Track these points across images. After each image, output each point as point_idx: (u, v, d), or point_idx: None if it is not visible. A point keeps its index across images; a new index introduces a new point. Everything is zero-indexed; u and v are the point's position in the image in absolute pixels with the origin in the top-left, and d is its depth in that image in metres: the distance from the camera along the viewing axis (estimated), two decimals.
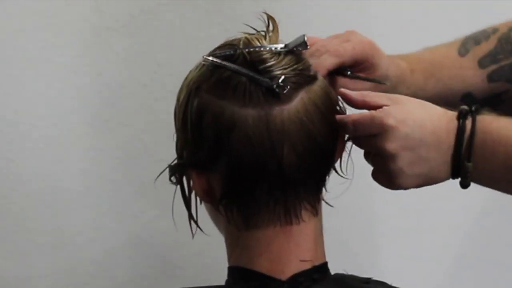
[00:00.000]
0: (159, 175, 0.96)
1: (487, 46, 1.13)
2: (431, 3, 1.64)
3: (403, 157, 0.88)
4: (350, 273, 0.95)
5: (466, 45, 1.14)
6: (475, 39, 1.15)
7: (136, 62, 1.52)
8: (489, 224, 1.75)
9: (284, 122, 0.86)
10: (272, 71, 0.87)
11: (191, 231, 0.96)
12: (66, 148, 1.52)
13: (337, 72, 1.01)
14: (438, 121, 0.89)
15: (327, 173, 0.93)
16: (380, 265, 1.70)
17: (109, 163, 1.55)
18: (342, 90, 0.94)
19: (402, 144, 0.88)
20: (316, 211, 0.91)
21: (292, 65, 0.88)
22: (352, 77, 1.02)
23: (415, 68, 1.11)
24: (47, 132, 1.51)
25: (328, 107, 0.90)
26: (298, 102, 0.87)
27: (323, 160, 0.90)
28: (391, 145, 0.88)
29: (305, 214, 0.90)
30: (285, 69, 0.87)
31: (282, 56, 0.89)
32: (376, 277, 0.96)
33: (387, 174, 0.90)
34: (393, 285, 0.96)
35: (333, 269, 0.94)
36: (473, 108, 0.89)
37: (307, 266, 0.90)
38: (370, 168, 0.94)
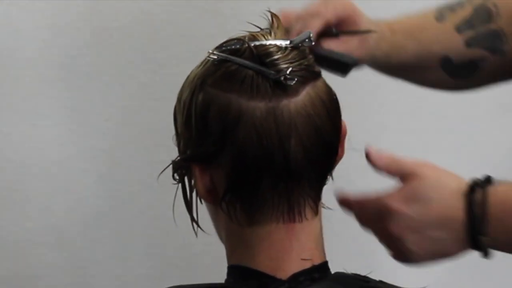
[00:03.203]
0: (161, 172, 0.96)
1: (462, 13, 1.13)
2: (431, 3, 1.64)
3: (410, 239, 0.87)
4: (350, 272, 0.95)
5: (441, 11, 1.15)
6: (450, 7, 1.15)
7: (136, 62, 1.53)
8: None
9: (292, 115, 0.86)
10: (278, 64, 0.87)
11: (194, 230, 0.96)
12: (66, 148, 1.53)
13: (324, 34, 1.02)
14: (448, 199, 0.87)
15: (330, 169, 0.93)
16: (380, 265, 1.70)
17: (109, 163, 1.55)
18: (371, 149, 0.92)
19: (406, 227, 0.87)
20: (317, 210, 0.91)
21: (298, 60, 0.89)
22: (339, 33, 1.03)
23: (395, 28, 1.12)
24: (47, 132, 1.51)
25: (332, 103, 0.90)
26: (305, 96, 0.87)
27: (327, 155, 0.91)
28: (395, 228, 0.87)
29: (308, 212, 0.90)
30: (291, 63, 0.88)
31: (288, 51, 0.89)
32: (376, 276, 0.96)
33: (399, 254, 0.90)
34: (393, 284, 0.96)
35: (333, 269, 0.94)
36: (482, 180, 0.87)
37: (307, 265, 0.90)
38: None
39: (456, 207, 0.87)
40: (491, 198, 0.86)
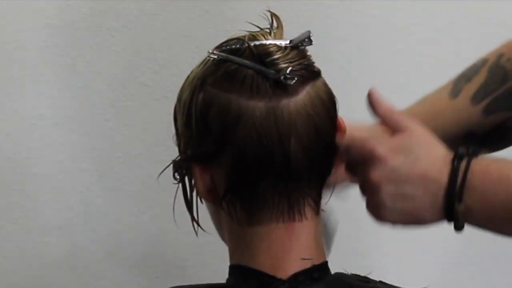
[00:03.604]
0: (162, 172, 0.96)
1: (478, 80, 1.12)
2: (431, 3, 1.65)
3: (385, 189, 0.87)
4: (350, 272, 0.95)
5: (457, 85, 1.14)
6: (466, 77, 1.14)
7: (136, 62, 1.53)
8: None
9: (291, 114, 0.86)
10: (278, 63, 0.87)
11: (194, 230, 0.96)
12: (66, 148, 1.53)
13: None
14: (433, 162, 0.87)
15: (330, 168, 0.93)
16: (380, 265, 1.70)
17: (109, 163, 1.55)
18: (373, 92, 0.93)
19: (386, 176, 0.87)
20: (318, 209, 0.92)
21: (298, 60, 0.89)
22: None
23: None
24: (47, 132, 1.51)
25: (331, 103, 0.90)
26: (305, 95, 0.88)
27: (327, 154, 0.91)
28: (375, 175, 0.87)
29: (308, 212, 0.90)
30: (291, 62, 0.88)
31: (288, 50, 0.89)
32: (376, 276, 0.96)
33: (372, 205, 0.90)
34: (393, 284, 0.96)
35: (333, 269, 0.94)
36: (470, 151, 0.87)
37: (307, 264, 0.90)
38: None
39: (440, 171, 0.87)
40: (473, 167, 0.86)
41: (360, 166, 0.89)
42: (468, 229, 0.90)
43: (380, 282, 0.95)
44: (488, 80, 1.12)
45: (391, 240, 1.73)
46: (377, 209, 0.89)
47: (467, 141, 1.12)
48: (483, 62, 1.14)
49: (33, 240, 1.54)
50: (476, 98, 1.12)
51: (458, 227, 0.88)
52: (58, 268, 1.56)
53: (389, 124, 0.91)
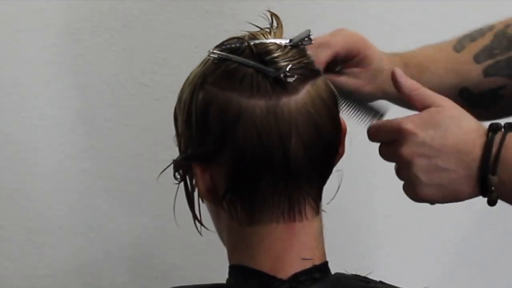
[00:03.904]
0: (162, 172, 0.96)
1: (482, 42, 1.13)
2: (431, 3, 1.65)
3: (418, 164, 0.86)
4: (350, 272, 0.95)
5: (462, 41, 1.14)
6: (471, 36, 1.14)
7: (136, 62, 1.53)
8: (488, 223, 1.75)
9: (292, 113, 0.86)
10: (278, 62, 0.87)
11: (197, 229, 0.96)
12: (66, 148, 1.53)
13: (329, 69, 1.01)
14: (465, 134, 0.87)
15: (330, 168, 0.93)
16: (380, 265, 1.70)
17: (109, 163, 1.55)
18: (396, 70, 0.91)
19: (417, 151, 0.86)
20: (318, 209, 0.91)
21: (298, 58, 0.89)
22: (342, 70, 1.02)
23: (409, 62, 1.11)
24: (47, 132, 1.51)
25: (332, 102, 0.90)
26: (305, 94, 0.87)
27: (328, 153, 0.90)
28: (406, 151, 0.87)
29: (308, 211, 0.90)
30: (291, 61, 0.88)
31: (287, 49, 0.89)
32: (376, 276, 0.96)
33: (408, 183, 0.89)
34: (393, 284, 0.96)
35: (333, 269, 0.94)
36: (505, 125, 0.87)
37: (308, 265, 0.90)
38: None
39: (473, 143, 0.86)
40: (508, 140, 0.86)
41: (391, 147, 0.88)
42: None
43: (380, 282, 0.95)
44: (493, 43, 1.12)
45: (391, 240, 1.73)
46: (412, 186, 0.88)
47: (461, 96, 1.11)
48: (490, 27, 1.14)
49: (33, 240, 1.54)
50: (478, 57, 1.12)
51: (491, 201, 0.88)
52: (58, 268, 1.56)
53: (415, 100, 0.90)
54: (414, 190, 0.88)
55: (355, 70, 1.07)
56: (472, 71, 1.12)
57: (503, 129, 0.87)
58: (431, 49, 1.15)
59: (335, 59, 1.03)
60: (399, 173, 0.90)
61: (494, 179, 0.86)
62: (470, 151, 0.86)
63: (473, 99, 1.12)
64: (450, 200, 0.89)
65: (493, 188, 0.86)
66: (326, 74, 0.97)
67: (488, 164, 0.85)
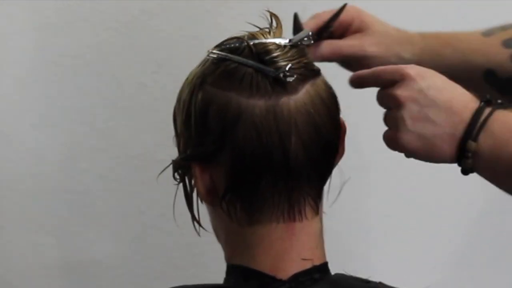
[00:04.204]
0: (162, 172, 0.96)
1: None
2: (431, 3, 1.64)
3: (409, 108, 0.88)
4: (350, 273, 0.95)
5: (491, 29, 1.14)
6: (502, 27, 1.15)
7: (136, 62, 1.53)
8: (488, 223, 1.75)
9: (291, 113, 0.86)
10: (277, 61, 0.87)
11: (195, 229, 0.96)
12: (66, 148, 1.53)
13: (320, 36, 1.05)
14: (460, 95, 0.89)
15: (330, 168, 0.93)
16: (380, 266, 1.70)
17: (109, 163, 1.55)
18: (354, 74, 0.94)
19: (412, 95, 0.88)
20: (318, 210, 0.91)
21: (297, 58, 0.89)
22: (325, 35, 1.06)
23: (427, 35, 1.12)
24: (47, 132, 1.51)
25: (332, 102, 0.90)
26: (304, 94, 0.88)
27: (327, 153, 0.90)
28: (402, 93, 0.88)
29: (308, 211, 0.90)
30: (290, 60, 0.88)
31: (287, 48, 0.89)
32: (376, 277, 0.96)
33: (391, 128, 0.90)
34: (393, 285, 0.96)
35: (333, 269, 0.94)
36: (498, 100, 0.89)
37: (307, 265, 0.90)
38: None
39: (465, 105, 0.88)
40: (497, 113, 0.87)
41: (389, 89, 0.89)
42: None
43: (380, 283, 0.95)
44: None
45: (391, 240, 1.73)
46: (395, 130, 0.89)
47: (487, 80, 1.12)
48: None
49: (33, 240, 1.54)
50: (507, 43, 1.12)
51: (465, 170, 0.89)
52: (58, 268, 1.56)
53: (385, 77, 0.91)
54: (396, 135, 0.89)
55: (357, 34, 1.10)
56: (499, 55, 1.12)
57: (495, 104, 0.88)
58: (459, 32, 1.16)
59: (328, 27, 1.06)
60: (387, 117, 0.91)
61: (473, 144, 0.87)
62: (461, 111, 0.87)
63: (500, 85, 1.12)
64: (426, 156, 0.90)
65: (469, 154, 0.87)
66: (328, 39, 1.01)
67: (474, 128, 0.87)
